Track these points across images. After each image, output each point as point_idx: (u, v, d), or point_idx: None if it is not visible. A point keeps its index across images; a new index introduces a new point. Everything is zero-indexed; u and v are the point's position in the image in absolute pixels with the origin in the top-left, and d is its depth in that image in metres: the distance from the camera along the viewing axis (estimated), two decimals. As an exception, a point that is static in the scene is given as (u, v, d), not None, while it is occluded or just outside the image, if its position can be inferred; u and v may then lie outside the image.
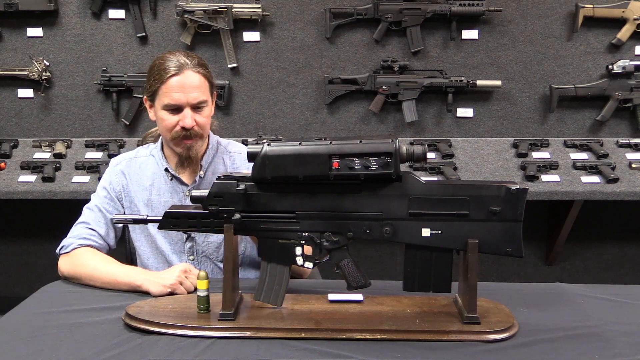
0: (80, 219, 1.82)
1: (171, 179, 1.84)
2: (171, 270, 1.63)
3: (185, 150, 1.78)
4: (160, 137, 1.88)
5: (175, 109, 1.74)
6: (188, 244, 1.83)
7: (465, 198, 1.35)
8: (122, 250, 2.02)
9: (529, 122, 3.18)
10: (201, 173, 1.84)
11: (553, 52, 3.11)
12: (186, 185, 1.84)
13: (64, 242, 1.77)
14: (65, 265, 1.73)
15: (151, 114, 1.83)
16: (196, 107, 1.75)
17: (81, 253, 1.73)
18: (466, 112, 3.17)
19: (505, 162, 3.04)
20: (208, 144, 1.87)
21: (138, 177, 1.86)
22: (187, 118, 1.73)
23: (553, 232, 3.25)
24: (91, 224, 1.80)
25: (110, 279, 1.64)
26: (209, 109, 1.80)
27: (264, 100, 3.19)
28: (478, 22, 3.08)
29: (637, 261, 3.38)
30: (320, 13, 3.10)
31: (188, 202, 1.80)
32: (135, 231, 1.88)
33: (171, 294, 1.56)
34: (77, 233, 1.78)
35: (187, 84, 1.73)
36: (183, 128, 1.74)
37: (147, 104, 1.84)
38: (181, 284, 1.58)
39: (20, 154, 3.12)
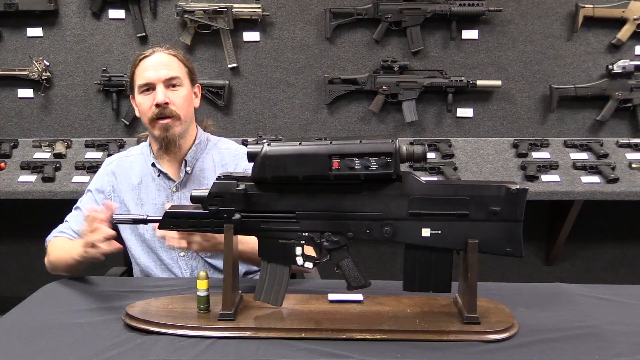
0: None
1: (158, 175, 1.85)
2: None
3: (162, 132, 1.78)
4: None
5: (148, 89, 1.78)
6: None
7: (465, 198, 1.35)
8: (122, 251, 2.02)
9: (529, 122, 3.18)
10: (187, 169, 1.84)
11: (553, 52, 3.11)
12: (173, 181, 1.85)
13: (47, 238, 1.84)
14: (46, 257, 1.79)
15: (136, 111, 1.85)
16: (170, 85, 1.78)
17: (52, 243, 1.81)
18: (466, 112, 3.17)
19: (505, 162, 3.04)
20: (195, 140, 1.87)
21: (127, 176, 1.88)
22: (160, 93, 1.76)
23: (553, 232, 3.25)
24: (70, 221, 1.85)
25: (67, 258, 1.68)
26: (187, 91, 1.81)
27: (264, 100, 3.19)
28: (478, 22, 3.09)
29: (637, 261, 3.38)
30: (320, 13, 3.10)
31: (175, 198, 1.83)
32: (125, 231, 1.88)
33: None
34: (56, 229, 1.85)
35: (157, 62, 1.78)
36: (157, 105, 1.75)
37: (132, 102, 1.87)
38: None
39: (20, 154, 3.12)
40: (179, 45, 3.08)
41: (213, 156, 1.88)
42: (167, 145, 1.81)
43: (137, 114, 1.85)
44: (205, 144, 1.89)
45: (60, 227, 1.85)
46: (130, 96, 1.87)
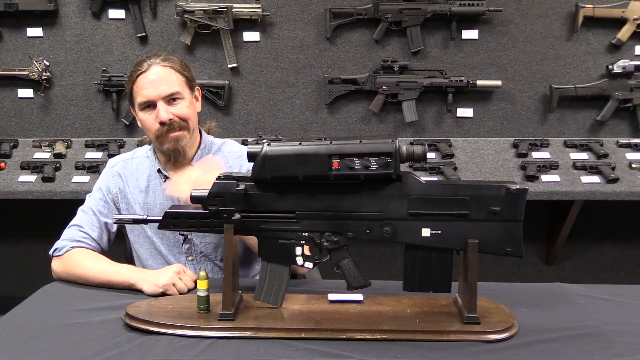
0: (73, 221, 1.81)
1: (164, 181, 1.82)
2: (165, 270, 1.63)
3: (172, 143, 1.76)
4: None
5: (150, 106, 1.75)
6: (185, 246, 1.83)
7: (465, 198, 1.35)
8: (122, 250, 2.03)
9: (529, 122, 3.18)
10: None
11: (553, 52, 3.11)
12: None
13: (57, 244, 1.76)
14: (58, 267, 1.73)
15: (138, 122, 1.82)
16: (170, 100, 1.75)
17: (74, 254, 1.73)
18: (466, 112, 3.17)
19: (505, 162, 3.04)
20: (200, 144, 1.86)
21: (134, 179, 1.85)
22: (162, 112, 1.73)
23: (553, 232, 3.25)
24: (84, 227, 1.79)
25: (104, 279, 1.65)
26: (188, 102, 1.78)
27: (264, 100, 3.19)
28: (478, 22, 3.08)
29: (637, 261, 3.38)
30: (320, 13, 3.10)
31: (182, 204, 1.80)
32: (133, 233, 1.87)
33: (164, 294, 1.56)
34: (70, 236, 1.77)
35: (155, 78, 1.74)
36: (162, 123, 1.73)
37: (133, 112, 1.84)
38: (174, 285, 1.58)
39: (20, 154, 3.12)
40: (180, 45, 3.08)
41: None
42: (176, 157, 1.79)
43: (139, 124, 1.82)
44: (209, 148, 1.87)
45: (73, 234, 1.78)
46: (130, 107, 1.84)
